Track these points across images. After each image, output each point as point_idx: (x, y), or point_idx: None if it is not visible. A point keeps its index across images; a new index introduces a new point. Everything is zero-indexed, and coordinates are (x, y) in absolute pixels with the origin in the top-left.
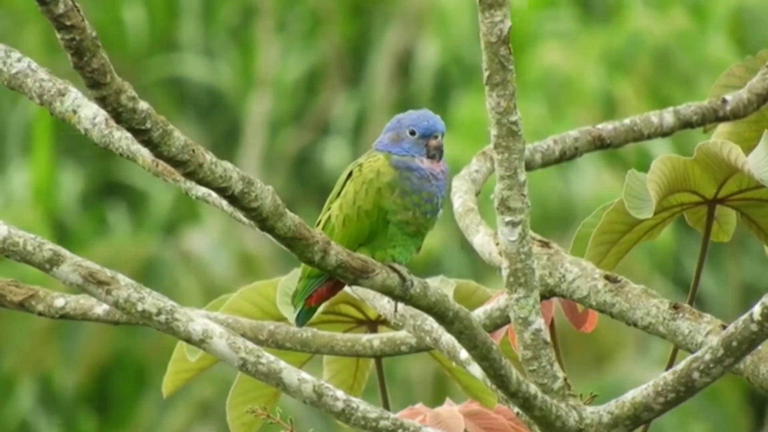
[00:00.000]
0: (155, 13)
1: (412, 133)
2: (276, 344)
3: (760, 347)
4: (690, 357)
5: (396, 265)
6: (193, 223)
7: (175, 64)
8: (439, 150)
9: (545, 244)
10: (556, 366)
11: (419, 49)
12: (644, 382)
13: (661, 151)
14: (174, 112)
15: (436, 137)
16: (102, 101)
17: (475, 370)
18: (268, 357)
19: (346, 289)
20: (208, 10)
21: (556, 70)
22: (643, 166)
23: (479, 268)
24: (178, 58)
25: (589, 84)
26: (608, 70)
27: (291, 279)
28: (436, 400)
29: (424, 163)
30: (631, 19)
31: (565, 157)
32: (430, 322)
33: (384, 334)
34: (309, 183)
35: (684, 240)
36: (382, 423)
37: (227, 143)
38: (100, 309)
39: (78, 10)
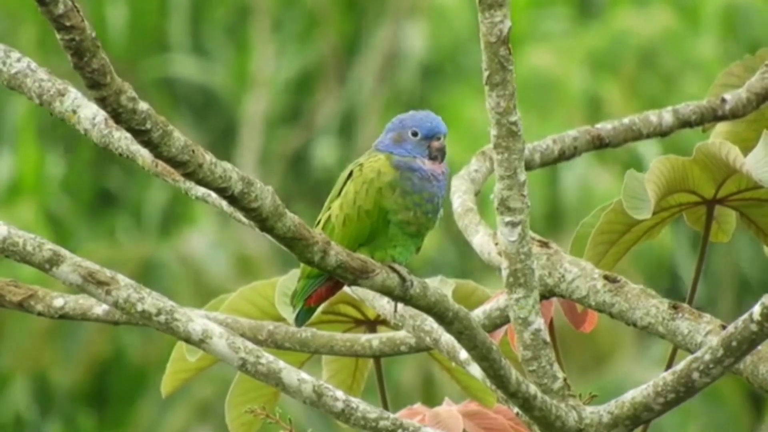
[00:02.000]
0: (148, 13)
1: (415, 134)
2: (275, 344)
3: (759, 347)
4: (690, 357)
5: (396, 266)
6: (189, 225)
7: (169, 65)
8: (442, 151)
9: (545, 244)
10: (556, 366)
11: (405, 43)
12: (644, 382)
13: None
14: (167, 112)
15: (438, 139)
16: (102, 102)
17: (475, 370)
18: (267, 357)
19: (346, 289)
20: (201, 9)
21: (541, 72)
22: (628, 161)
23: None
24: (171, 58)
25: (574, 85)
26: (593, 70)
27: (290, 279)
28: (425, 402)
29: (426, 164)
30: (616, 19)
31: (564, 156)
32: (430, 323)
33: (383, 334)
34: (302, 181)
35: (671, 237)
36: (382, 423)
37: (222, 143)
38: (100, 309)
39: (78, 11)
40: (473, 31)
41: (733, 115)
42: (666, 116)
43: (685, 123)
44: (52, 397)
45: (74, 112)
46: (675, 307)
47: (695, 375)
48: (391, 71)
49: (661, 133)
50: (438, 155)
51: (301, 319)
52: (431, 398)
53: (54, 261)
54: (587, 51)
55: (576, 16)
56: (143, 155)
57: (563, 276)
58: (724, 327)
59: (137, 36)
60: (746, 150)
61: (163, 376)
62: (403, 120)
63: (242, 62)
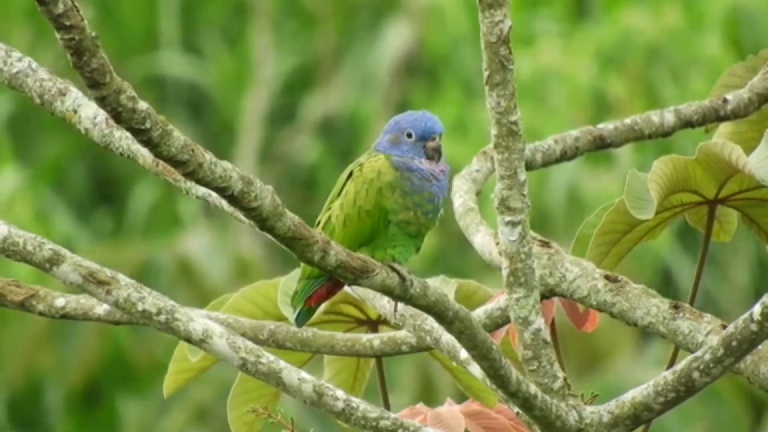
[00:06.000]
0: (140, 10)
1: (409, 135)
2: (276, 344)
3: (760, 347)
4: (690, 357)
5: (396, 265)
6: (178, 227)
7: (160, 62)
8: (437, 152)
9: (545, 244)
10: (556, 366)
11: (396, 44)
12: (643, 382)
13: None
14: (159, 111)
15: (433, 139)
16: (101, 101)
17: (475, 369)
18: (268, 357)
19: (347, 289)
20: (194, 7)
21: (547, 70)
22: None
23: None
24: (163, 56)
25: (581, 83)
26: (600, 68)
27: (292, 279)
28: (426, 402)
29: (424, 164)
30: (623, 17)
31: (566, 156)
32: (430, 322)
33: (384, 334)
34: (294, 180)
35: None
36: (383, 423)
37: (215, 142)
38: (101, 309)
39: (77, 10)
40: (466, 33)
41: (735, 115)
42: (668, 116)
43: (687, 123)
44: (44, 400)
45: (75, 111)
46: (676, 307)
47: (695, 374)
48: (378, 72)
49: (663, 133)
50: (434, 155)
51: (302, 320)
52: (427, 398)
53: (54, 260)
54: (594, 49)
55: (572, 14)
56: (144, 155)
57: (564, 276)
58: (725, 327)
59: (126, 34)
60: (749, 150)
61: (158, 377)
62: (398, 121)
63: (238, 61)
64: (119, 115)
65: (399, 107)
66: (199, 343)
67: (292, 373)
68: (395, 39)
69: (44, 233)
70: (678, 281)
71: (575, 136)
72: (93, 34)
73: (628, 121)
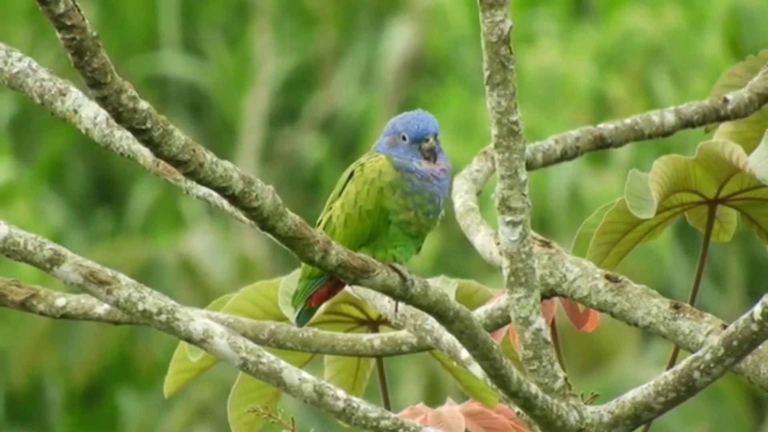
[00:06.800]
0: (140, 10)
1: (404, 138)
2: (277, 344)
3: (760, 347)
4: (690, 357)
5: (397, 265)
6: (185, 227)
7: (163, 63)
8: (432, 152)
9: (546, 244)
10: (557, 366)
11: (397, 43)
12: (644, 382)
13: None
14: (159, 111)
15: (427, 140)
16: (102, 101)
17: (476, 369)
18: (268, 357)
19: (347, 288)
20: (194, 7)
21: (547, 70)
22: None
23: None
24: (164, 56)
25: (581, 82)
26: (600, 68)
27: (292, 279)
28: (427, 402)
29: (423, 165)
30: (623, 18)
31: (567, 156)
32: (431, 322)
33: (385, 334)
34: (296, 180)
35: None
36: (383, 423)
37: (215, 142)
38: (101, 309)
39: (78, 10)
40: (468, 32)
41: (735, 115)
42: (668, 116)
43: (687, 123)
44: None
45: (75, 111)
46: (676, 307)
47: (696, 374)
48: (381, 71)
49: (664, 133)
50: (429, 156)
51: (302, 320)
52: (439, 395)
53: (55, 260)
54: (594, 49)
55: (571, 14)
56: (144, 155)
57: (564, 275)
58: (725, 327)
59: (127, 33)
60: (749, 150)
61: (159, 377)
62: (394, 123)
63: (239, 61)
64: (120, 115)
65: (402, 107)
66: (200, 343)
67: (293, 373)
68: (398, 39)
69: (42, 232)
70: (677, 281)
71: (575, 136)
72: (94, 34)
73: (628, 121)
